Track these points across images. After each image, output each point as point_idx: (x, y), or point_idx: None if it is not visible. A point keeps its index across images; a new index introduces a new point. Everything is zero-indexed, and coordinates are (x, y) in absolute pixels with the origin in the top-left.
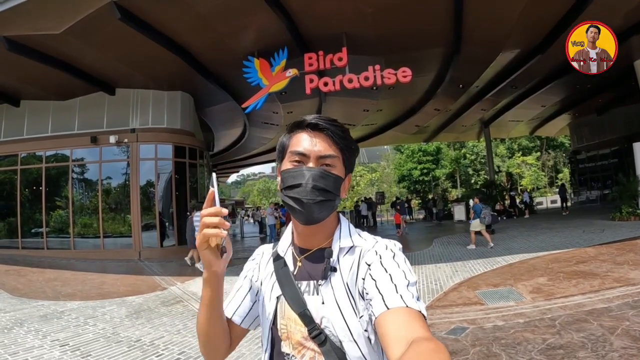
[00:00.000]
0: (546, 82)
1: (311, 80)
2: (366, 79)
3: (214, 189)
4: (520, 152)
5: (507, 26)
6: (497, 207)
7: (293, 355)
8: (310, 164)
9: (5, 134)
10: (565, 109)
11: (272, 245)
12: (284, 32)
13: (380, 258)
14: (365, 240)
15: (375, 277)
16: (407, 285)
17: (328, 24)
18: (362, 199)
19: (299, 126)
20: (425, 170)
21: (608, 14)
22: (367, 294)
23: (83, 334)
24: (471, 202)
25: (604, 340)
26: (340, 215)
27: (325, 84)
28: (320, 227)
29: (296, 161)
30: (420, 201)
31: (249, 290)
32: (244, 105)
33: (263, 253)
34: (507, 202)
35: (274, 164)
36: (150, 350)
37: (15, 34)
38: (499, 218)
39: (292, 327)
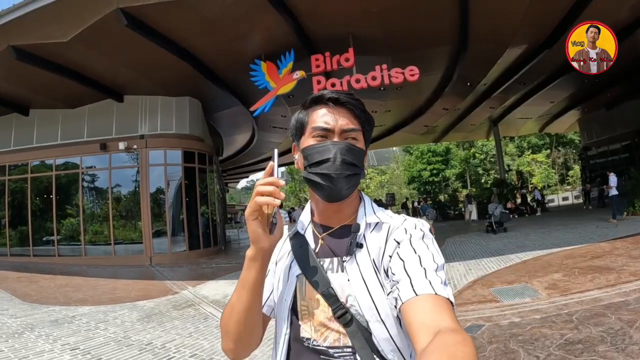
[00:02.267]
0: (554, 78)
1: (318, 82)
2: (374, 78)
3: (273, 163)
4: (530, 150)
5: (514, 22)
6: (509, 205)
7: (314, 339)
8: (335, 139)
9: (15, 143)
10: (574, 105)
11: (285, 227)
12: (290, 34)
13: (410, 237)
14: (391, 217)
15: (404, 257)
16: (436, 270)
17: (334, 24)
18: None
19: (318, 101)
20: (435, 171)
21: (615, 7)
22: (393, 274)
23: (94, 337)
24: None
25: (623, 333)
26: (361, 192)
27: (333, 85)
28: (344, 204)
29: (320, 136)
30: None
31: (268, 275)
32: (252, 109)
33: None
34: (519, 200)
35: (283, 169)
36: (162, 354)
37: (22, 42)
38: (511, 216)
39: (315, 308)
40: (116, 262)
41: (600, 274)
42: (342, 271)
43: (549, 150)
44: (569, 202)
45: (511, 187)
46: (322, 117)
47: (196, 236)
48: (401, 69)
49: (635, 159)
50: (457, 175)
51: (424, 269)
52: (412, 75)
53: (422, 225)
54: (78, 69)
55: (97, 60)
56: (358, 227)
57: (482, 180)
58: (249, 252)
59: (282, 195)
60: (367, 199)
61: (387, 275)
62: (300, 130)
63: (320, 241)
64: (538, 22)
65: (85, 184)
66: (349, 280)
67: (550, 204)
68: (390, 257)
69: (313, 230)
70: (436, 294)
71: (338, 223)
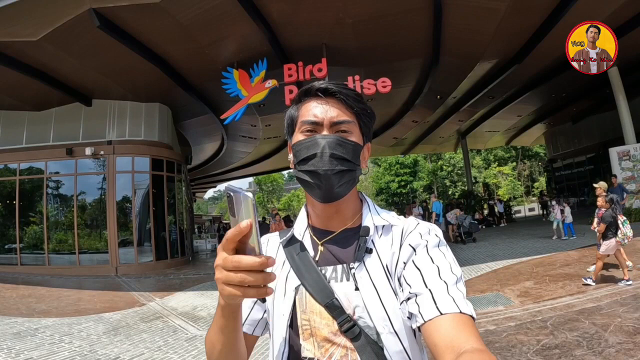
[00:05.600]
0: (523, 92)
1: (290, 91)
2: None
3: (251, 220)
4: (497, 163)
5: (485, 37)
6: (477, 216)
7: (318, 358)
8: (325, 132)
9: None
10: (541, 119)
11: (276, 233)
12: (264, 42)
13: (427, 243)
14: (399, 219)
15: (420, 267)
16: (456, 282)
17: (308, 34)
18: None
19: (307, 93)
20: (403, 183)
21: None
22: (409, 285)
23: (58, 352)
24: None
25: (598, 337)
26: (362, 193)
27: None
28: (343, 205)
29: (308, 131)
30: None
31: None
32: (222, 117)
33: (268, 241)
34: (486, 211)
35: (251, 179)
36: None
37: None
38: (479, 227)
39: (317, 322)
40: (81, 272)
41: (571, 281)
42: (348, 280)
43: (514, 163)
44: (535, 212)
45: (478, 198)
46: (311, 110)
47: (163, 246)
48: (373, 81)
49: (600, 170)
50: (425, 186)
51: (445, 282)
52: (384, 87)
53: (437, 230)
54: (47, 70)
55: (67, 61)
56: (367, 230)
57: (450, 192)
58: (222, 302)
59: (274, 277)
60: (369, 200)
61: (400, 283)
62: (291, 126)
63: (320, 247)
64: (509, 37)
65: (50, 190)
66: (357, 289)
67: (517, 215)
68: (405, 264)
69: (311, 236)
70: (461, 312)
71: (339, 227)
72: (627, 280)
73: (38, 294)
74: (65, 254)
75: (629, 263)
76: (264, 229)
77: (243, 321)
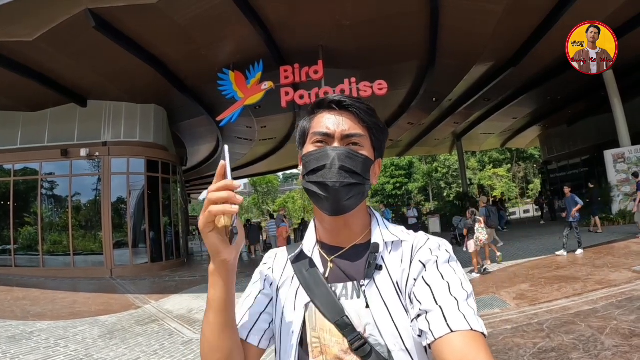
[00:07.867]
0: (518, 95)
1: (287, 93)
2: (342, 92)
3: (224, 162)
4: (492, 165)
5: (482, 39)
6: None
7: None
8: (335, 144)
9: None
10: (536, 121)
11: (284, 248)
12: (260, 44)
13: (437, 259)
14: (409, 234)
15: (430, 283)
16: (467, 299)
17: (305, 36)
18: None
19: (320, 105)
20: (398, 185)
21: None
22: (419, 302)
23: (54, 356)
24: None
25: (594, 340)
26: (371, 208)
27: (301, 97)
28: (351, 219)
29: (319, 142)
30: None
31: (264, 301)
32: (218, 119)
33: (276, 256)
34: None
35: (246, 180)
36: None
37: None
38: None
39: (328, 340)
40: (75, 274)
41: (566, 283)
42: (358, 297)
43: (509, 165)
44: (530, 214)
45: (473, 200)
46: (324, 121)
47: (159, 248)
48: (370, 83)
49: (595, 172)
50: (420, 188)
51: (455, 299)
52: (380, 89)
53: (447, 246)
54: (42, 71)
55: (62, 62)
56: (377, 246)
57: (445, 194)
58: (211, 267)
59: (240, 198)
60: (377, 215)
61: (411, 300)
62: (302, 138)
63: (329, 264)
64: (506, 40)
65: (45, 191)
66: (368, 306)
67: (512, 217)
68: (415, 280)
69: (320, 252)
70: (472, 329)
71: (348, 242)
72: (474, 271)
73: (33, 296)
74: (60, 256)
75: (487, 263)
76: (255, 230)
77: (250, 328)
